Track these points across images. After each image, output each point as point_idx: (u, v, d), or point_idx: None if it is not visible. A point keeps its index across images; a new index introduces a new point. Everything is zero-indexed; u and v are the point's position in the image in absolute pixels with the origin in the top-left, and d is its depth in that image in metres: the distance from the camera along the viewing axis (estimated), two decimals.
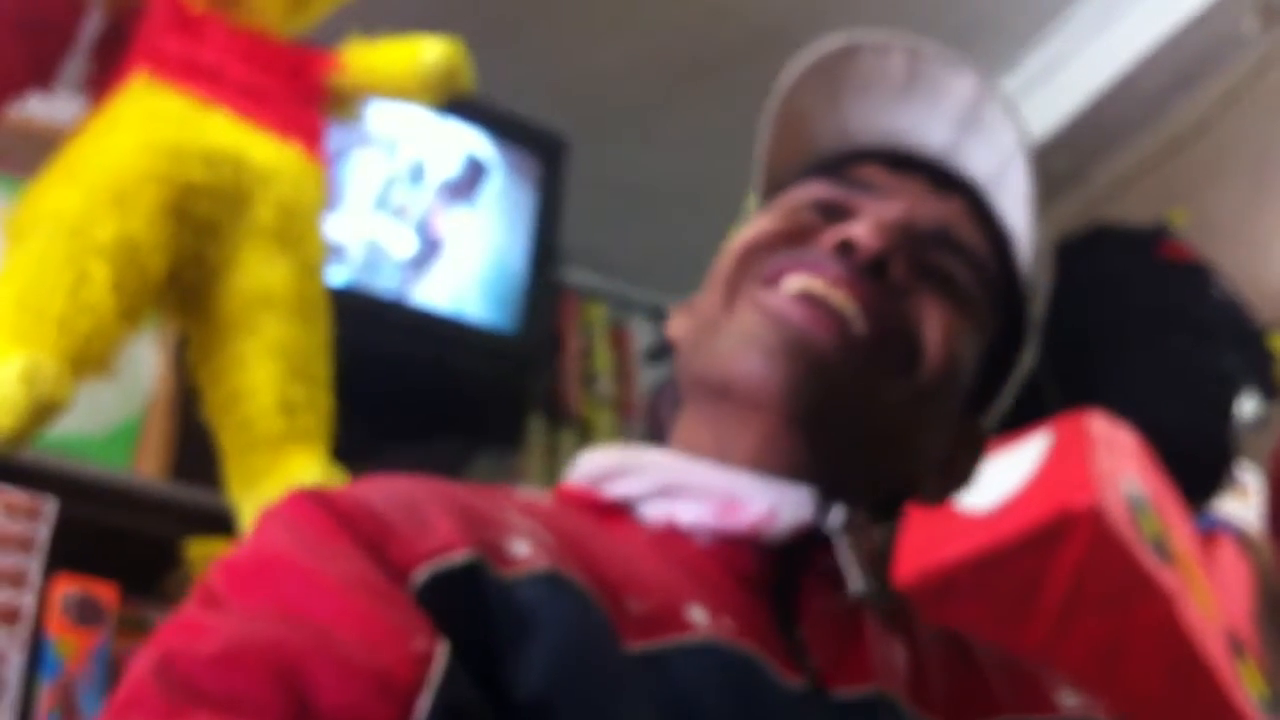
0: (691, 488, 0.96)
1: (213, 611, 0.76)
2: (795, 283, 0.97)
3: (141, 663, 0.73)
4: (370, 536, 0.80)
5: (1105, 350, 2.50)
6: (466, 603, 0.79)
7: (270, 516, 0.84)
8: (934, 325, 0.99)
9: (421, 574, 0.79)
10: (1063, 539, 1.83)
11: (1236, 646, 2.02)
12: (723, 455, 0.97)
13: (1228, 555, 2.33)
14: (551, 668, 0.78)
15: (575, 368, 2.92)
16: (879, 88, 1.10)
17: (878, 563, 0.98)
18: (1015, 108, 1.08)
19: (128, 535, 1.88)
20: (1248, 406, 2.45)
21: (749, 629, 0.88)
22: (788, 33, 3.03)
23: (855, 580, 0.92)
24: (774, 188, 1.13)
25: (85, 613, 1.71)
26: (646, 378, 3.02)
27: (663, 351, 2.99)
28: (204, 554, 1.87)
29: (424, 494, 0.86)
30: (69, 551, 1.72)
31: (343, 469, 1.88)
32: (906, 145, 1.10)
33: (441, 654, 0.74)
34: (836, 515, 0.93)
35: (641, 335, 3.10)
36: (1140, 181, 3.04)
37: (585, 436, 2.85)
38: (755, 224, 1.05)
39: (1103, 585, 1.82)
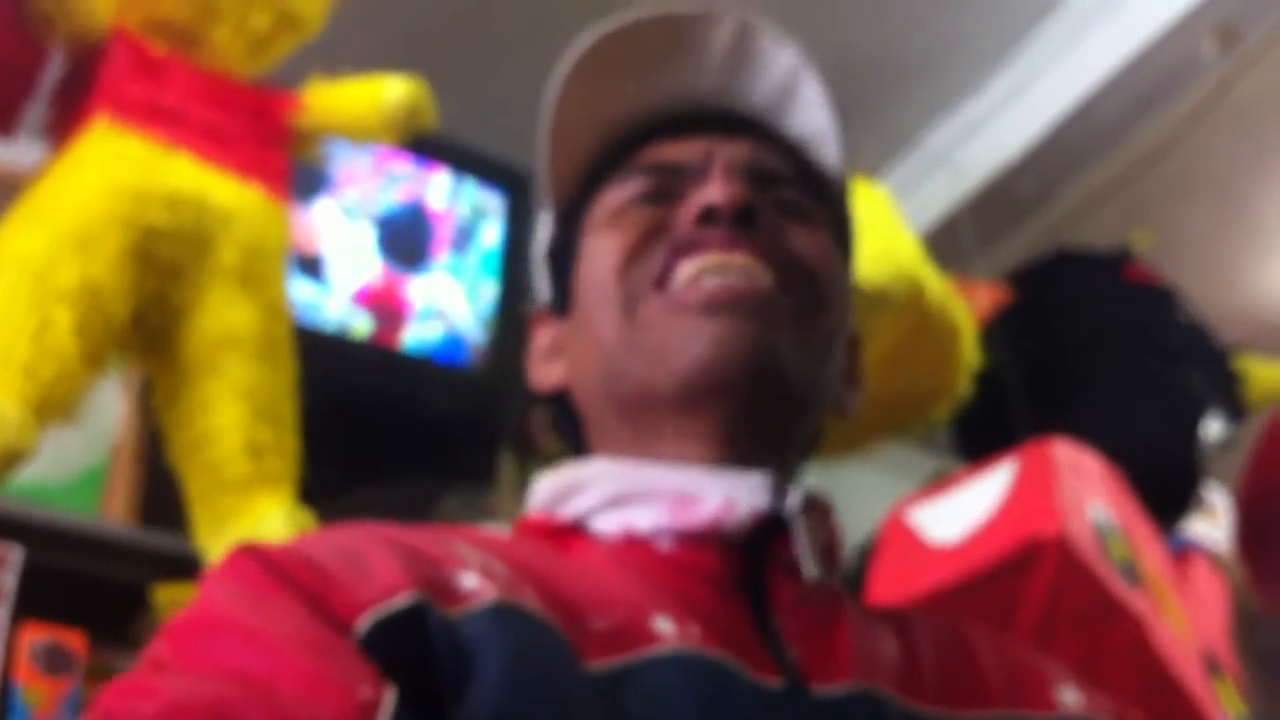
0: (642, 492, 0.95)
1: (156, 674, 0.76)
2: (688, 269, 0.97)
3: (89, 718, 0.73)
4: (310, 588, 0.80)
5: (1072, 373, 2.51)
6: (413, 645, 0.79)
7: (210, 576, 0.84)
8: (809, 249, 1.01)
9: (365, 621, 0.78)
10: (1031, 568, 1.83)
11: (1213, 665, 2.02)
12: (668, 458, 0.96)
13: (1201, 575, 2.33)
14: (500, 699, 0.77)
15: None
16: (636, 62, 1.08)
17: (834, 546, 0.97)
18: (780, 33, 1.08)
19: (96, 582, 1.87)
20: (1214, 427, 2.46)
21: (719, 633, 0.87)
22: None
23: (809, 567, 0.92)
24: (564, 201, 1.11)
25: (54, 661, 1.70)
26: None
27: None
28: (172, 599, 1.86)
29: (365, 540, 0.85)
30: (37, 599, 1.71)
31: (311, 511, 1.88)
32: (676, 105, 1.08)
33: (389, 701, 0.74)
34: (794, 499, 0.93)
35: None
36: (1105, 203, 3.06)
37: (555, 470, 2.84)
38: (600, 244, 1.03)
39: (1073, 611, 1.82)
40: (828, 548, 0.95)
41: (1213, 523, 2.48)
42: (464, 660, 0.78)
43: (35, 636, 1.71)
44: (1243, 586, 2.36)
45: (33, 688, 1.67)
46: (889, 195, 2.37)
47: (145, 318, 1.88)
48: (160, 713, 0.70)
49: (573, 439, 1.06)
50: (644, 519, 0.94)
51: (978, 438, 2.44)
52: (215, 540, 1.84)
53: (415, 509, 2.62)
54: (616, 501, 0.96)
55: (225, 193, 1.92)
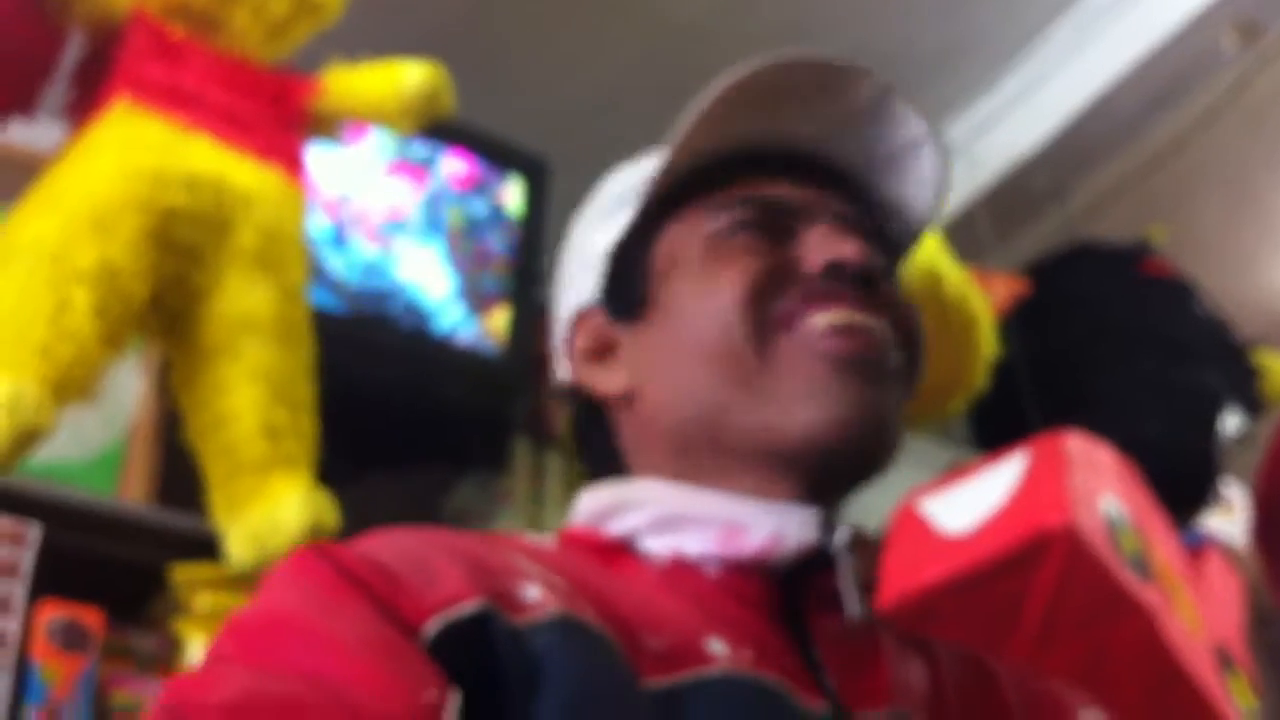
0: (693, 518, 0.95)
1: (223, 668, 0.77)
2: (821, 319, 0.96)
3: (153, 711, 0.73)
4: (379, 591, 0.80)
5: (1088, 367, 2.51)
6: (479, 652, 0.79)
7: (278, 575, 0.84)
8: (913, 314, 1.01)
9: (433, 626, 0.79)
10: (1040, 559, 1.83)
11: (1226, 660, 2.02)
12: (723, 486, 0.96)
13: (1216, 569, 2.33)
14: (566, 714, 0.78)
15: (552, 379, 2.91)
16: (784, 98, 1.06)
17: (875, 580, 0.97)
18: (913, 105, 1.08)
19: (112, 561, 1.87)
20: (1231, 422, 2.46)
21: (769, 657, 0.88)
22: (766, 53, 3.06)
23: (852, 603, 0.92)
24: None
25: (71, 638, 1.71)
26: None
27: None
28: (189, 579, 1.87)
29: (431, 546, 0.86)
30: (54, 577, 1.72)
31: (327, 493, 1.88)
32: (767, 142, 1.07)
33: (453, 705, 0.75)
34: (841, 535, 0.94)
35: None
36: (1120, 199, 3.06)
37: (570, 457, 2.84)
38: (711, 272, 1.00)
39: (1082, 604, 1.82)
40: (869, 581, 0.96)
41: (1229, 517, 2.48)
42: (531, 670, 0.79)
43: (52, 614, 1.71)
44: (1258, 582, 2.36)
45: (49, 665, 1.68)
46: None
47: (163, 299, 1.88)
48: (229, 704, 0.71)
49: (600, 447, 1.05)
50: (692, 544, 0.94)
51: (994, 429, 2.44)
52: (232, 521, 1.84)
53: (430, 494, 2.63)
54: (666, 524, 0.96)
55: (244, 176, 1.93)
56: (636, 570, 0.95)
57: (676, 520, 0.96)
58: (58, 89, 2.05)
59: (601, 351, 1.05)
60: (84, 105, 2.01)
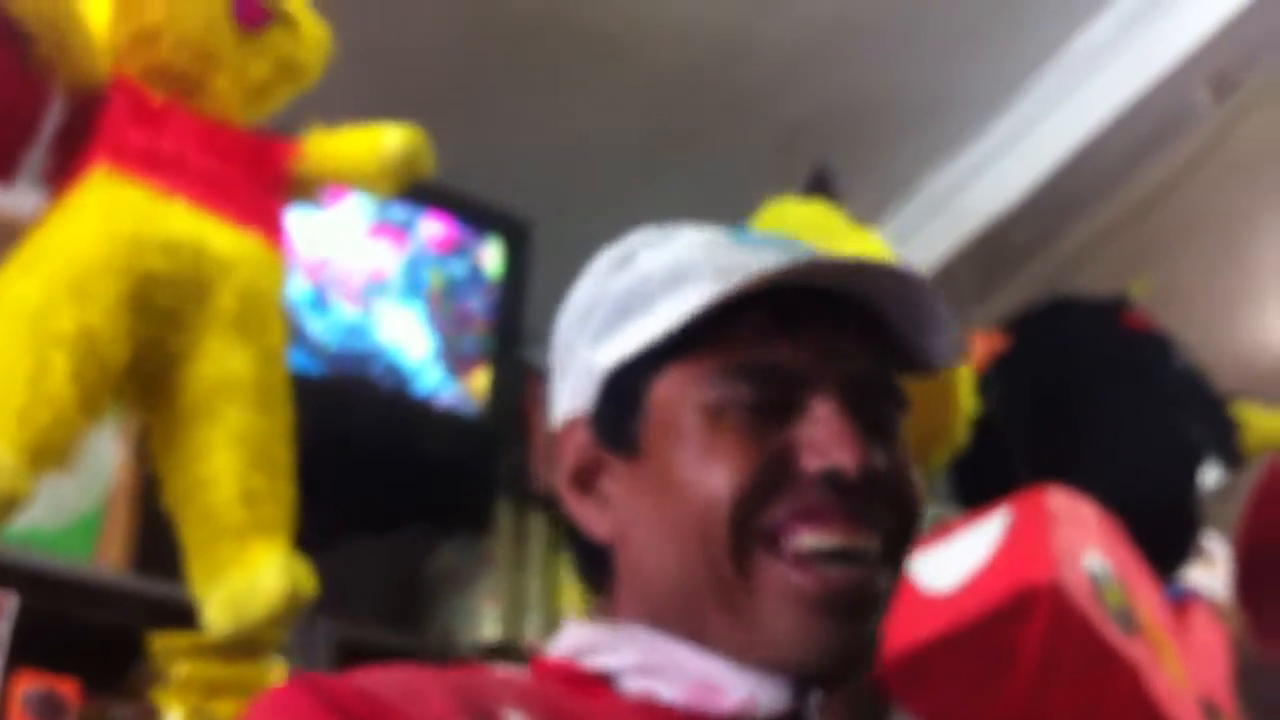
0: (670, 669, 0.95)
1: None
2: (809, 540, 0.94)
3: None
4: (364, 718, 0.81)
5: (1069, 421, 2.51)
6: None
7: (266, 705, 0.85)
8: (904, 478, 0.99)
9: None
10: (1025, 616, 1.83)
11: (1212, 712, 2.02)
12: (699, 642, 0.96)
13: (1201, 623, 2.33)
14: None
15: (542, 449, 2.91)
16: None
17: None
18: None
19: (90, 628, 1.87)
20: (1212, 475, 2.46)
21: None
22: (757, 104, 3.08)
23: None
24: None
25: (48, 709, 1.70)
26: None
27: None
28: (168, 647, 1.86)
29: (419, 678, 0.87)
30: (30, 646, 1.71)
31: (306, 558, 1.87)
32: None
33: None
34: (815, 700, 0.94)
35: None
36: (1102, 250, 3.06)
37: (555, 518, 2.83)
38: (704, 454, 0.97)
39: (1069, 659, 1.82)
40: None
41: (1211, 571, 2.48)
42: None
43: (29, 685, 1.70)
44: (1242, 634, 2.36)
45: None
46: (887, 241, 2.38)
47: (142, 364, 1.88)
48: None
49: (586, 554, 1.04)
50: (666, 693, 0.95)
51: (975, 485, 2.44)
52: (210, 588, 1.83)
53: (411, 556, 2.62)
54: (645, 669, 0.96)
55: (223, 240, 1.93)
56: (612, 703, 0.95)
57: (652, 668, 0.96)
58: (37, 155, 2.05)
59: (587, 475, 1.03)
60: (63, 171, 2.01)
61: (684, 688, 0.94)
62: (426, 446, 2.50)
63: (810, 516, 0.94)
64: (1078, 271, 3.03)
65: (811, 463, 0.95)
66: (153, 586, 1.97)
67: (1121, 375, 2.54)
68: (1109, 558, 2.00)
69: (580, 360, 1.05)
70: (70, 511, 2.13)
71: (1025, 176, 3.08)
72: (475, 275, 2.66)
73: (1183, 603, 2.32)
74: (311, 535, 1.92)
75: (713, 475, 0.96)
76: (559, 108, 2.93)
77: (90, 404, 1.78)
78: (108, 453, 2.19)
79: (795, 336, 0.99)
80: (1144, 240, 3.01)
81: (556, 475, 1.05)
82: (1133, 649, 1.88)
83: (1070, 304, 2.68)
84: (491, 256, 2.69)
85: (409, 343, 2.53)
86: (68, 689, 1.73)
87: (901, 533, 0.98)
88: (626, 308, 1.03)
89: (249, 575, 1.81)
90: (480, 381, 2.58)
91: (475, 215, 2.70)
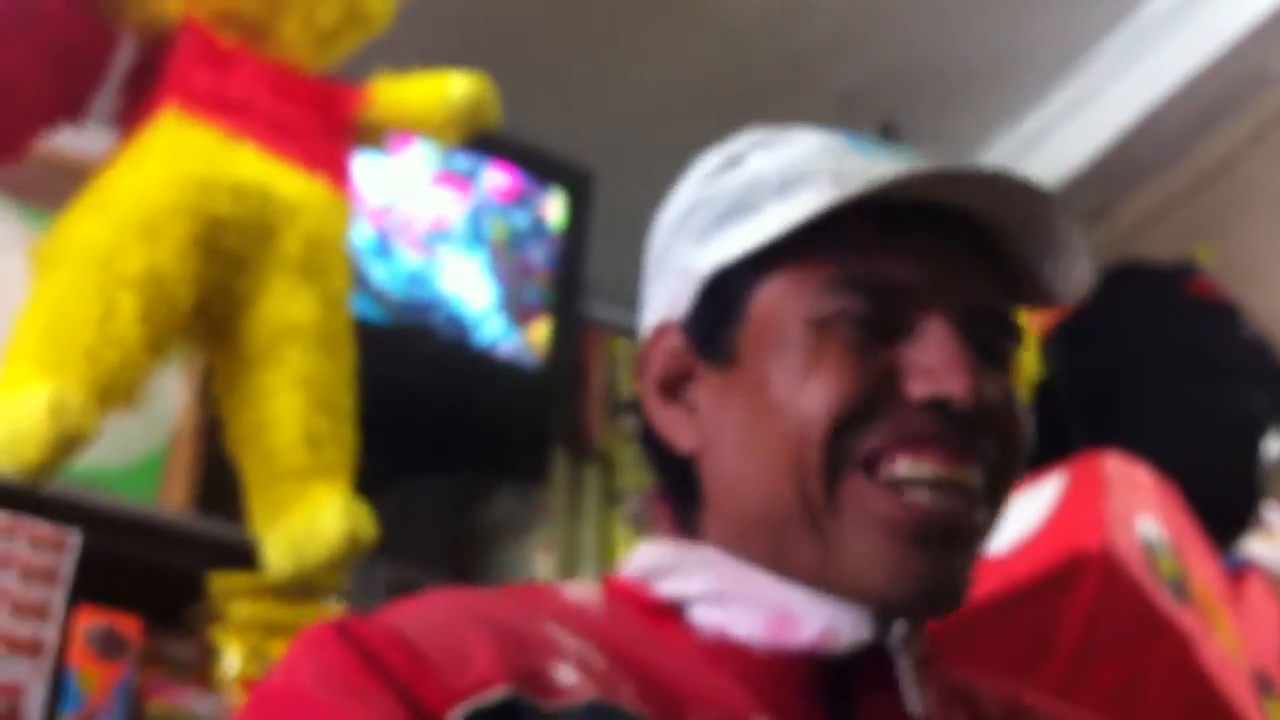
0: (744, 597, 0.92)
1: None
2: (908, 469, 0.89)
3: None
4: (400, 677, 0.79)
5: (1131, 389, 2.49)
6: None
7: (300, 650, 0.84)
8: (1012, 414, 0.93)
9: (456, 715, 0.78)
10: (1075, 582, 1.82)
11: (1264, 685, 2.01)
12: (779, 570, 0.92)
13: (1258, 593, 2.31)
14: None
15: (599, 401, 2.92)
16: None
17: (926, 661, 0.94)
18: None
19: (151, 568, 1.88)
20: (1274, 446, 2.44)
21: None
22: (817, 65, 3.06)
23: (914, 701, 0.89)
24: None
25: (108, 645, 1.71)
26: None
27: None
28: (227, 587, 1.88)
29: (463, 619, 0.84)
30: (92, 584, 1.72)
31: (365, 501, 1.89)
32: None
33: None
34: (898, 630, 0.90)
35: None
36: (1166, 218, 3.04)
37: (608, 470, 2.84)
38: (806, 366, 0.92)
39: (1117, 627, 1.81)
40: (921, 663, 0.93)
41: (1271, 542, 2.46)
42: None
43: (90, 621, 1.72)
44: None
45: (86, 672, 1.68)
46: None
47: (208, 306, 1.89)
48: None
49: (670, 469, 1.00)
50: (740, 626, 0.91)
51: (1034, 449, 2.43)
52: (270, 529, 1.85)
53: (468, 504, 2.63)
54: (717, 598, 0.92)
55: (290, 184, 1.94)
56: (682, 637, 0.92)
57: (728, 595, 0.92)
58: (107, 96, 2.06)
59: (675, 382, 0.99)
60: (133, 112, 2.02)
61: (758, 618, 0.90)
62: (485, 396, 2.51)
63: (912, 443, 0.90)
64: (1142, 239, 3.01)
65: (919, 388, 0.91)
66: (214, 527, 1.98)
67: (1185, 343, 2.52)
68: (1165, 525, 1.99)
69: (678, 262, 1.01)
70: (134, 451, 2.16)
71: (1088, 144, 3.05)
72: (537, 226, 2.67)
73: (1240, 572, 2.31)
74: (371, 479, 1.94)
75: (811, 391, 0.91)
76: (623, 61, 2.92)
77: (157, 344, 1.80)
78: (172, 394, 2.20)
79: (912, 252, 0.95)
80: (1207, 210, 2.98)
81: (643, 381, 1.01)
82: (1183, 618, 1.87)
83: (1135, 269, 2.66)
84: (554, 208, 2.69)
85: (471, 292, 2.54)
86: (128, 626, 1.75)
87: (1006, 469, 0.93)
88: (733, 209, 0.98)
89: (309, 517, 1.83)
90: (540, 333, 2.58)
91: (538, 166, 2.70)
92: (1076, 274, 0.97)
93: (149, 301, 1.77)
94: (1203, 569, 2.04)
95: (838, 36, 2.92)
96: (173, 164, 1.89)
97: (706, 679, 0.87)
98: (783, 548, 0.92)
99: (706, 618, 0.92)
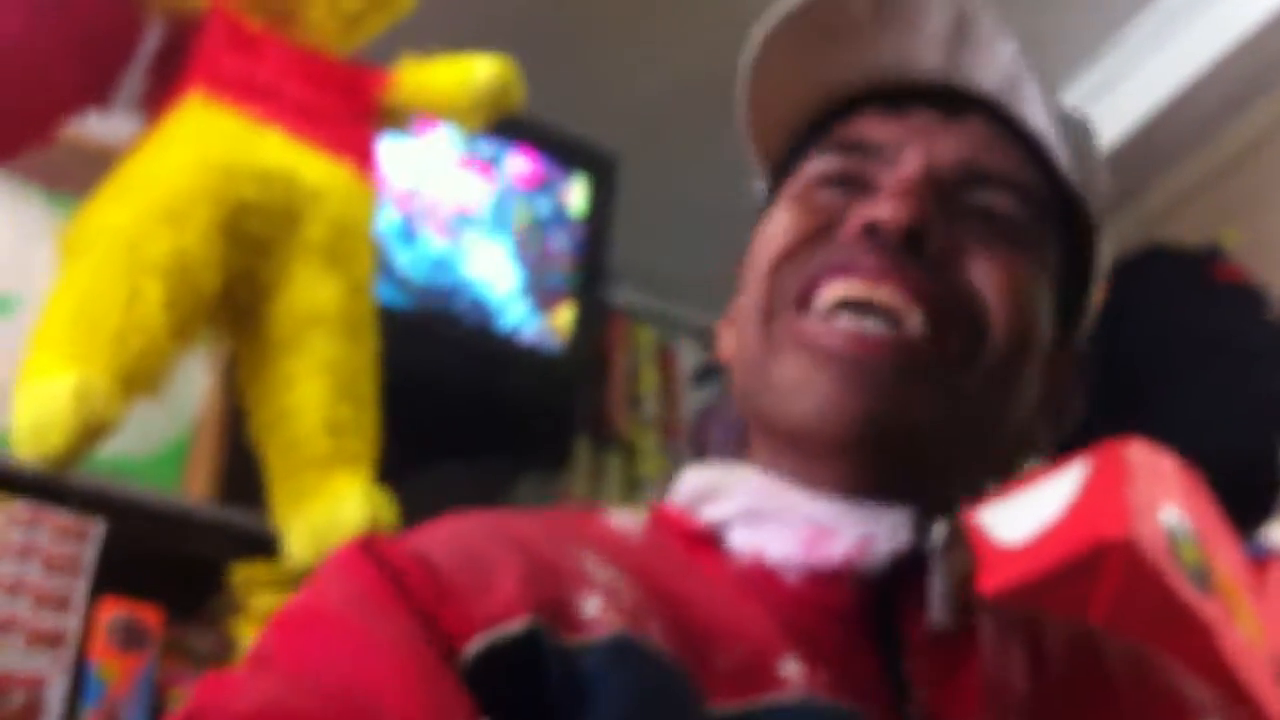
0: (779, 514, 0.89)
1: (257, 671, 0.75)
2: (828, 294, 0.88)
3: (181, 711, 0.72)
4: (424, 600, 0.77)
5: (1155, 372, 2.49)
6: (524, 674, 0.76)
7: (327, 570, 0.82)
8: (990, 279, 0.90)
9: (476, 644, 0.76)
10: (1097, 571, 1.81)
11: None
12: (809, 484, 0.89)
13: None
14: None
15: (621, 389, 2.92)
16: (846, 29, 0.96)
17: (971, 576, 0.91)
18: (1002, 23, 0.95)
19: (174, 558, 1.89)
20: None
21: (848, 677, 0.83)
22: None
23: (937, 610, 0.86)
24: (773, 164, 1.02)
25: (130, 636, 1.72)
26: (692, 400, 3.00)
27: (709, 374, 2.98)
28: (249, 577, 1.88)
29: (493, 542, 0.82)
30: (114, 574, 1.73)
31: (387, 489, 1.89)
32: (895, 77, 0.97)
33: None
34: (938, 532, 0.86)
35: (688, 357, 3.09)
36: (1194, 201, 3.02)
37: (630, 458, 2.84)
38: (773, 223, 0.94)
39: (1140, 616, 1.80)
40: (964, 579, 0.90)
41: None
42: (577, 695, 0.76)
43: (112, 612, 1.73)
44: None
45: (107, 663, 1.69)
46: None
47: (232, 292, 1.90)
48: (248, 713, 0.70)
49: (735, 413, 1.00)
50: (775, 547, 0.88)
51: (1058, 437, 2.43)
52: (293, 517, 1.86)
53: (490, 490, 2.64)
54: (752, 518, 0.90)
55: (315, 170, 1.94)
56: (718, 567, 0.89)
57: (763, 515, 0.89)
58: (134, 80, 2.07)
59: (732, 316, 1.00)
60: (159, 97, 2.02)
61: (793, 536, 0.87)
62: (508, 382, 2.51)
63: (836, 269, 0.89)
64: (1169, 221, 2.99)
65: (854, 223, 0.90)
66: (237, 517, 1.99)
67: (1210, 327, 2.51)
68: (1188, 513, 1.99)
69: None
70: (158, 441, 2.16)
71: (1116, 127, 3.03)
72: (560, 212, 2.66)
73: (1263, 560, 2.31)
74: (392, 466, 1.94)
75: (764, 246, 0.93)
76: (646, 47, 2.91)
77: (182, 331, 1.80)
78: (195, 383, 2.21)
79: (901, 119, 0.95)
80: (1235, 193, 2.97)
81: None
82: (1206, 608, 1.86)
83: (1161, 253, 2.65)
84: (577, 194, 2.69)
85: (495, 277, 2.54)
86: (150, 617, 1.75)
87: (963, 328, 0.88)
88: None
89: (331, 506, 1.84)
90: (563, 319, 2.58)
91: (562, 152, 2.70)
92: (1043, 109, 0.93)
93: (174, 287, 1.78)
94: (1226, 557, 2.03)
95: (993, 16, 2.91)
96: (199, 149, 1.89)
97: (739, 613, 0.85)
98: (761, 422, 0.91)
99: (743, 542, 0.90)
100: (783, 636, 0.84)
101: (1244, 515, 2.24)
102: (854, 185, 0.93)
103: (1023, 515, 1.96)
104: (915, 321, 0.87)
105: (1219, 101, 2.92)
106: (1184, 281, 2.61)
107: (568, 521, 0.91)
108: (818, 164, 0.95)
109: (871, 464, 0.87)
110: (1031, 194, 0.94)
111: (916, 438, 0.87)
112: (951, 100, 0.95)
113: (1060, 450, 2.10)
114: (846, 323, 0.86)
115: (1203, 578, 1.91)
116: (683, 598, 0.84)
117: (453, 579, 0.79)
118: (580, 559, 0.84)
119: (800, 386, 0.87)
